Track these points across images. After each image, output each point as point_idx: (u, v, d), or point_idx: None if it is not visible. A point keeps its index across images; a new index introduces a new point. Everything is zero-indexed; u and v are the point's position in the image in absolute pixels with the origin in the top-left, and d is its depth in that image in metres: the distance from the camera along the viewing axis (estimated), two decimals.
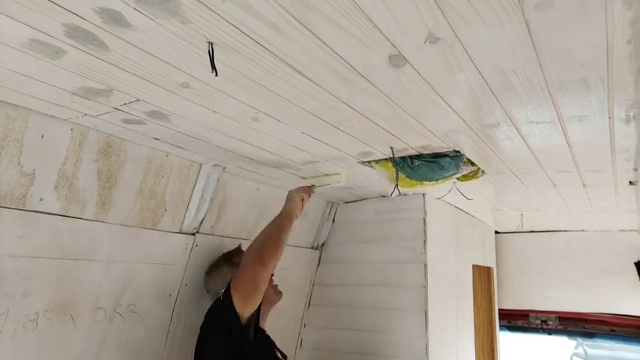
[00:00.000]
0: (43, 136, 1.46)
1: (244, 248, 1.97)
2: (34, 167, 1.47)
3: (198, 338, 1.88)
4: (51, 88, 1.24)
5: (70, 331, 1.68)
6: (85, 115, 1.44)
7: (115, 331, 1.84)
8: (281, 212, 1.98)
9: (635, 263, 3.70)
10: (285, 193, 2.08)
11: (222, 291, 1.81)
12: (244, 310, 1.74)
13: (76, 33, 0.97)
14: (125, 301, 1.86)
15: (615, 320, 3.85)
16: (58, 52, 1.05)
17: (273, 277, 2.03)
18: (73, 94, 1.28)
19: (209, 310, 1.90)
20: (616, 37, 0.97)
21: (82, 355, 1.73)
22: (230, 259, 2.08)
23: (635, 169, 2.01)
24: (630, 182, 2.26)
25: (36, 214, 1.51)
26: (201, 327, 1.90)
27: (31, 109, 1.40)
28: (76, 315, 1.69)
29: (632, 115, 1.41)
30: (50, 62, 1.09)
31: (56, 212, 1.57)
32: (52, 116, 1.46)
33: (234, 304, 1.73)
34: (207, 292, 2.12)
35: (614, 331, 3.88)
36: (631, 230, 3.85)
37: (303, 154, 1.90)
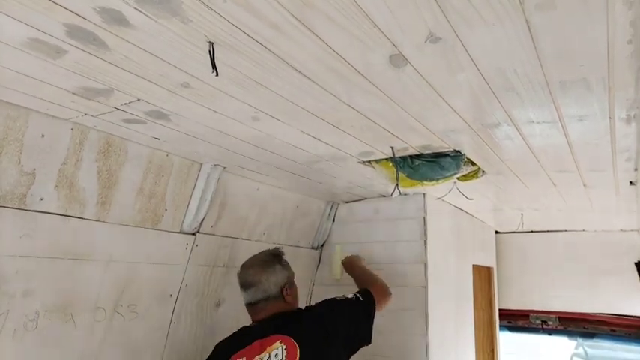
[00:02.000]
0: (43, 135, 1.46)
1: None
2: (35, 167, 1.47)
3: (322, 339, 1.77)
4: (51, 88, 1.24)
5: (70, 331, 1.68)
6: (86, 114, 1.44)
7: (115, 330, 1.84)
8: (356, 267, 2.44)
9: (636, 263, 3.70)
10: (286, 193, 2.10)
11: (360, 297, 1.97)
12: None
13: (76, 32, 0.97)
14: (125, 300, 1.86)
15: (615, 320, 3.85)
16: (58, 52, 1.05)
17: None
18: (74, 93, 1.28)
19: (343, 314, 1.88)
20: (617, 36, 0.97)
21: (82, 354, 1.73)
22: (280, 259, 2.00)
23: (636, 169, 2.01)
24: (631, 182, 2.26)
25: (36, 213, 1.51)
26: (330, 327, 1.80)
27: (31, 109, 1.40)
28: (77, 315, 1.69)
29: (632, 115, 1.41)
30: (51, 62, 1.09)
31: (56, 212, 1.57)
32: (53, 116, 1.46)
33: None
34: (248, 287, 1.89)
35: (615, 331, 3.88)
36: (631, 230, 3.85)
37: (304, 153, 1.90)
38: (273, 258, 1.97)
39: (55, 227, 1.57)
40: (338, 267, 2.73)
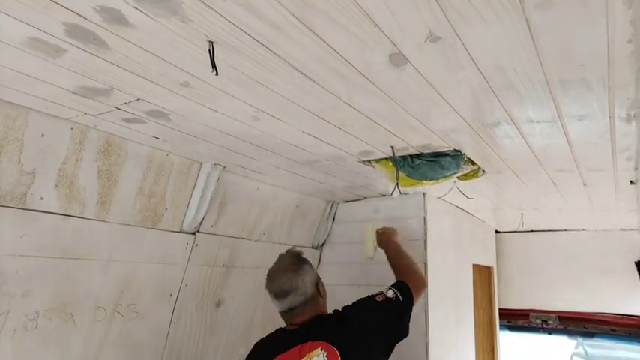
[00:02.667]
0: (43, 135, 1.46)
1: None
2: (35, 166, 1.47)
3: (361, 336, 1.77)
4: (51, 87, 1.24)
5: (70, 331, 1.68)
6: (86, 114, 1.44)
7: (115, 330, 1.84)
8: (392, 242, 2.37)
9: (636, 263, 3.70)
10: (286, 192, 2.09)
11: (400, 296, 1.89)
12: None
13: (76, 32, 0.97)
14: (125, 300, 1.86)
15: (615, 320, 3.85)
16: (58, 51, 1.05)
17: None
18: (74, 93, 1.28)
19: (383, 311, 1.84)
20: (616, 36, 0.97)
21: (82, 354, 1.73)
22: (304, 259, 1.96)
23: (636, 169, 2.01)
24: (631, 182, 2.26)
25: (36, 213, 1.51)
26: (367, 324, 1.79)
27: (31, 108, 1.40)
28: (77, 314, 1.69)
29: (632, 114, 1.41)
30: (50, 61, 1.09)
31: (56, 211, 1.57)
32: (53, 115, 1.46)
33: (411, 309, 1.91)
34: (285, 295, 1.80)
35: (615, 330, 3.88)
36: (631, 230, 3.85)
37: (304, 153, 1.90)
38: (298, 259, 1.93)
39: (55, 227, 1.57)
40: (370, 245, 2.67)
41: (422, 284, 2.11)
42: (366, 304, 1.87)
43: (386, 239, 2.42)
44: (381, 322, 1.80)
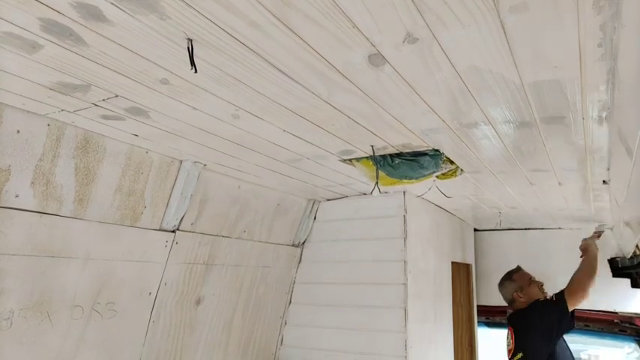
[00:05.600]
0: (18, 131, 1.44)
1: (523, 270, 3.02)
2: (10, 163, 1.45)
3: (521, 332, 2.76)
4: (27, 83, 1.22)
5: (46, 330, 1.65)
6: (63, 110, 1.42)
7: (93, 329, 1.82)
8: (589, 256, 2.93)
9: (609, 260, 3.80)
10: (267, 190, 2.10)
11: (554, 297, 2.71)
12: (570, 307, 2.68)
13: (52, 27, 0.96)
14: (103, 299, 1.84)
15: (589, 316, 3.94)
16: (34, 47, 1.03)
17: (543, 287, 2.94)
18: (50, 89, 1.26)
19: (541, 309, 2.72)
20: (587, 39, 1.00)
21: (59, 353, 1.71)
22: (510, 276, 2.98)
23: (608, 169, 2.07)
24: (604, 181, 2.32)
25: (11, 210, 1.49)
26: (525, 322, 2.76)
27: (6, 104, 1.38)
28: (53, 313, 1.67)
29: (604, 115, 1.44)
30: (26, 57, 1.07)
31: (32, 209, 1.55)
32: (29, 111, 1.43)
33: (567, 303, 2.65)
34: (504, 298, 3.01)
35: (588, 326, 3.97)
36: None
37: (285, 151, 1.91)
38: (506, 277, 3.01)
39: (30, 224, 1.55)
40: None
41: (577, 290, 2.71)
42: (534, 303, 2.80)
43: (590, 250, 2.97)
44: (536, 317, 2.71)
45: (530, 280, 2.92)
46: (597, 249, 2.99)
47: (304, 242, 3.06)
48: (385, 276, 2.72)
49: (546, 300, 2.76)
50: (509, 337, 2.86)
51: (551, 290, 2.83)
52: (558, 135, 1.66)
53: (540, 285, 2.94)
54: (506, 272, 3.06)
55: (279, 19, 0.94)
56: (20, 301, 1.56)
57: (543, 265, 4.15)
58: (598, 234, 3.22)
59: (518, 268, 3.07)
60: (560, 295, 2.70)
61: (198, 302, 2.32)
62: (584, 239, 3.10)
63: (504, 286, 3.00)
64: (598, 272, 2.82)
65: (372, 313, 2.70)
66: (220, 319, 2.50)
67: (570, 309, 2.66)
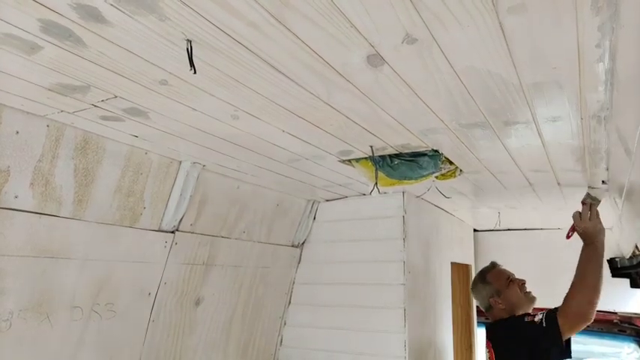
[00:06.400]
0: (18, 132, 1.44)
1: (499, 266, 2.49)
2: (9, 164, 1.45)
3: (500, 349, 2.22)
4: (26, 84, 1.22)
5: (46, 331, 1.65)
6: (62, 111, 1.42)
7: (93, 330, 1.82)
8: (592, 247, 2.14)
9: (608, 260, 3.80)
10: (266, 191, 2.09)
11: (544, 321, 2.05)
12: (565, 335, 2.05)
13: (51, 28, 0.96)
14: (103, 299, 1.84)
15: None
16: (33, 48, 1.03)
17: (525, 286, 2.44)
18: (50, 90, 1.26)
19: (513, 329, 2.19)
20: (585, 40, 1.00)
21: (58, 354, 1.71)
22: (484, 278, 2.44)
23: (607, 169, 2.07)
24: (603, 181, 2.32)
25: (11, 211, 1.49)
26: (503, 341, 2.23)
27: (5, 105, 1.38)
28: (52, 314, 1.67)
29: (603, 116, 1.45)
30: (25, 58, 1.08)
31: (32, 210, 1.55)
32: (28, 112, 1.43)
33: (561, 330, 2.03)
34: (479, 304, 2.47)
35: (588, 326, 3.97)
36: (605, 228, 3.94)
37: (284, 152, 1.91)
38: (477, 278, 2.50)
39: (30, 225, 1.55)
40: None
41: (576, 310, 2.06)
42: (514, 320, 2.22)
43: (590, 233, 2.15)
44: (514, 340, 2.16)
45: (508, 281, 2.35)
46: (602, 228, 2.12)
47: (304, 243, 3.06)
48: (385, 276, 2.72)
49: (533, 323, 2.07)
50: (488, 353, 2.30)
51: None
52: (557, 135, 1.66)
53: (521, 284, 2.39)
54: (478, 271, 2.52)
55: (277, 20, 0.94)
56: (19, 302, 1.56)
57: (543, 266, 4.15)
58: (589, 204, 2.16)
59: (493, 265, 2.47)
60: (552, 320, 2.02)
61: (197, 303, 2.32)
62: (576, 214, 2.20)
63: (477, 290, 2.42)
64: (602, 282, 2.10)
65: (372, 314, 2.70)
66: (220, 319, 2.50)
67: (565, 337, 2.01)
